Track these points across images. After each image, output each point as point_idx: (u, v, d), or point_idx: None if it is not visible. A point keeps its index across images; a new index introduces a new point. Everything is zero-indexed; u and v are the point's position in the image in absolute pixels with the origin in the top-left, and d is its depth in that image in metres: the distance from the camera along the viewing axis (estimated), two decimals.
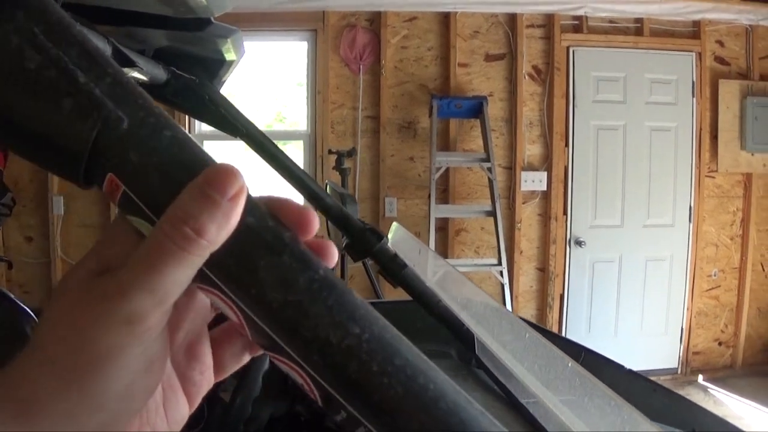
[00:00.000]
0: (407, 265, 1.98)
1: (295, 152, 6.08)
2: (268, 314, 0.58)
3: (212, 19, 1.84)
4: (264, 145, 2.26)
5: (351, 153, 5.53)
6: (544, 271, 6.12)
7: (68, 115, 0.58)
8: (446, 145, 5.98)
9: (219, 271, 0.55)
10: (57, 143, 0.61)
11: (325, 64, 6.00)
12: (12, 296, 2.67)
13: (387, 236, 2.05)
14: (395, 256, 2.02)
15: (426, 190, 5.87)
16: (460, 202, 6.02)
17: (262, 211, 0.55)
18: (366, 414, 0.61)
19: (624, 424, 1.04)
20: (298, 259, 0.57)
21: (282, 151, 2.13)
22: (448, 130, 5.99)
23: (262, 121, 6.40)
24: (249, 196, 0.54)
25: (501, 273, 5.52)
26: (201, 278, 0.54)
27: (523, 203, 6.05)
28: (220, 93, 2.18)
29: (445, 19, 6.02)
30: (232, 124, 2.14)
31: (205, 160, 0.55)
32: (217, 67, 2.16)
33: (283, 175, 2.16)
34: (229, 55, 1.94)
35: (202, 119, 2.22)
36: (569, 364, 1.23)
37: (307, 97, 6.10)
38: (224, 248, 0.54)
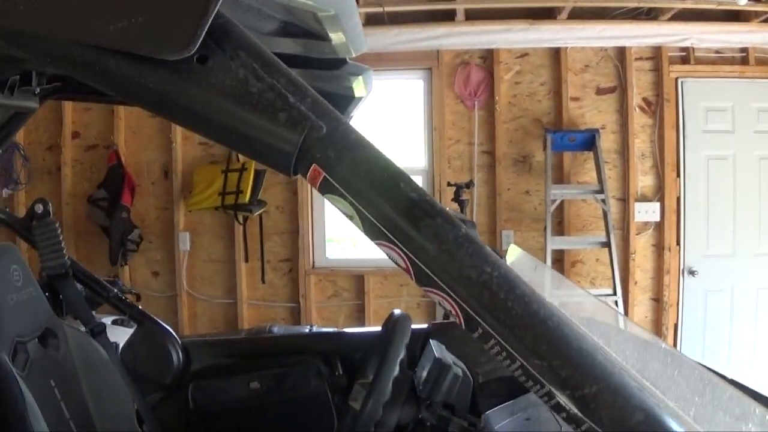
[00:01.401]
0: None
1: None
2: (427, 259, 0.88)
3: (347, 58, 1.99)
4: None
5: (469, 185, 5.70)
6: (658, 301, 6.22)
7: (283, 125, 0.88)
8: (561, 177, 6.11)
9: (396, 230, 0.88)
10: (275, 145, 0.93)
11: (440, 101, 6.17)
12: (155, 318, 2.84)
13: (505, 257, 2.18)
14: None
15: (541, 223, 6.01)
16: (575, 234, 6.15)
17: (420, 188, 0.91)
18: (496, 329, 0.89)
19: None
20: (447, 221, 0.91)
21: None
22: (562, 163, 6.12)
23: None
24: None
25: (616, 303, 5.65)
26: (382, 237, 0.89)
27: (637, 234, 6.16)
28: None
29: (556, 55, 6.15)
30: None
31: (381, 155, 0.94)
32: (347, 103, 2.31)
33: None
34: (359, 92, 2.09)
35: None
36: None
37: (424, 134, 6.26)
38: (398, 214, 0.87)
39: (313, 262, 6.30)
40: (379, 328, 2.44)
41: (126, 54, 0.86)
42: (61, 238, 2.69)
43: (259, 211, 6.15)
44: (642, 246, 6.18)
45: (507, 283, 0.93)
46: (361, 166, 0.96)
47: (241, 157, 6.18)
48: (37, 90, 2.25)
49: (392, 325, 2.22)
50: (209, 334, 5.97)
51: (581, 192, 6.00)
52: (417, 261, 0.92)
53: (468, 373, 2.19)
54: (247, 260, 6.29)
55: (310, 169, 0.92)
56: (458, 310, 0.91)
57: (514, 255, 2.95)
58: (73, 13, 0.84)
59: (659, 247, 6.18)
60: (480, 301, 0.92)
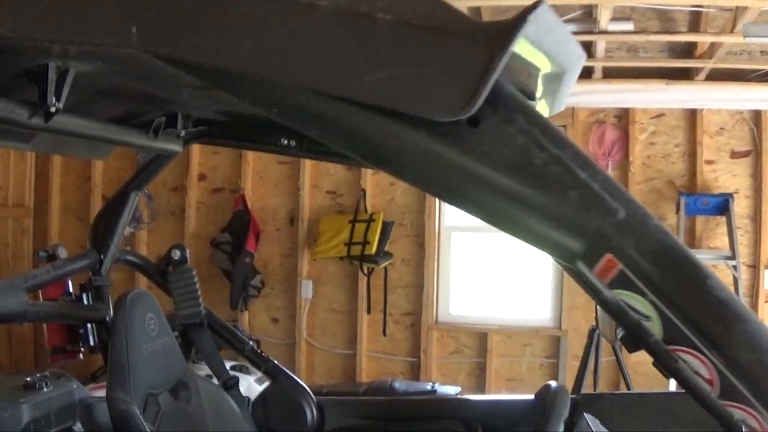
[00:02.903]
0: (680, 360, 2.00)
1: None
2: (739, 370, 0.76)
3: None
4: None
5: None
6: None
7: (574, 205, 0.70)
8: (692, 242, 5.99)
9: (703, 336, 0.74)
10: (561, 228, 0.79)
11: None
12: (290, 373, 2.74)
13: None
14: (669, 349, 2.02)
15: None
16: None
17: (725, 285, 0.73)
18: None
19: None
20: (758, 326, 0.77)
21: None
22: (694, 226, 6.00)
23: None
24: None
25: None
26: (686, 342, 0.69)
27: (766, 302, 6.01)
28: None
29: (692, 116, 6.05)
30: None
31: (680, 246, 0.78)
32: None
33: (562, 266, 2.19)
34: None
35: None
36: None
37: None
38: (707, 317, 0.68)
39: (437, 317, 6.20)
40: (524, 396, 2.33)
41: (380, 110, 0.70)
42: (197, 286, 2.63)
43: (386, 263, 6.06)
44: None
45: None
46: (663, 258, 0.82)
47: (369, 207, 6.11)
48: (182, 133, 2.22)
49: (551, 399, 2.11)
50: (327, 385, 5.87)
51: (713, 258, 5.86)
52: (726, 372, 0.79)
53: None
54: (369, 312, 6.20)
55: (602, 260, 0.80)
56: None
57: None
58: (316, 57, 0.67)
59: None
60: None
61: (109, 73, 1.68)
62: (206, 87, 1.88)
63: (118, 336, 1.95)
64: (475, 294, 6.27)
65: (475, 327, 6.16)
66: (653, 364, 2.29)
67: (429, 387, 5.35)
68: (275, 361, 2.74)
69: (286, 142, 2.31)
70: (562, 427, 1.98)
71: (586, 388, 4.74)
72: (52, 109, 1.52)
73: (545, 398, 2.15)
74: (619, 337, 2.44)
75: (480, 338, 6.15)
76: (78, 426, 1.64)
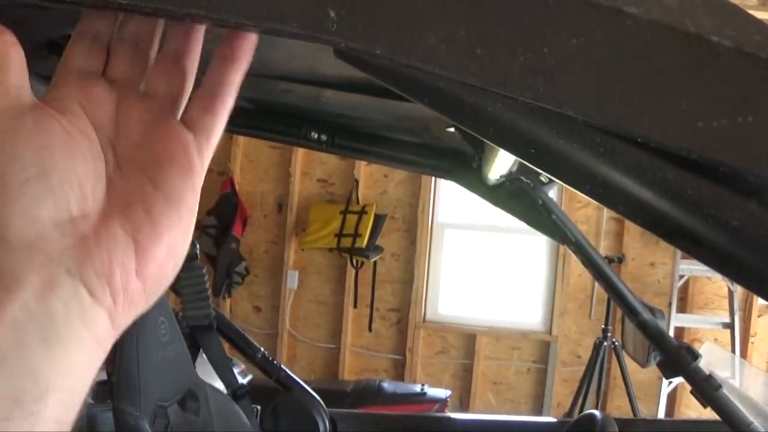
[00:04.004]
0: (720, 387, 1.85)
1: (537, 249, 6.00)
2: None
3: None
4: (591, 256, 2.15)
5: (621, 259, 5.48)
6: None
7: None
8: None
9: None
10: None
11: None
12: (303, 384, 2.60)
13: (700, 355, 1.92)
14: (709, 377, 1.88)
15: (663, 297, 5.77)
16: (697, 311, 5.92)
17: None
18: None
19: None
20: None
21: (607, 264, 2.02)
22: None
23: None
24: None
25: None
26: None
27: (759, 316, 5.94)
28: (551, 199, 2.11)
29: None
30: (562, 231, 2.07)
31: None
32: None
33: (603, 286, 2.04)
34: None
35: (530, 223, 2.15)
36: None
37: (554, 195, 6.03)
38: None
39: (425, 315, 6.05)
40: (545, 419, 2.19)
41: (702, 169, 0.50)
42: (207, 285, 2.46)
43: (376, 257, 5.90)
44: (762, 329, 5.96)
45: None
46: None
47: (361, 198, 5.94)
48: None
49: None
50: (312, 381, 5.71)
51: (707, 270, 5.77)
52: None
53: None
54: (355, 306, 6.04)
55: None
56: None
57: (709, 353, 2.75)
58: (631, 96, 0.48)
59: None
60: None
61: None
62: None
63: (128, 342, 1.76)
64: (465, 294, 6.12)
65: (463, 327, 6.02)
66: (691, 392, 2.16)
67: (418, 389, 5.18)
68: (288, 371, 2.57)
69: (316, 136, 2.13)
70: None
71: (589, 406, 4.62)
72: None
73: (588, 428, 2.00)
74: (655, 361, 2.31)
75: (468, 339, 6.01)
76: None
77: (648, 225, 0.53)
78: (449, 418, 2.93)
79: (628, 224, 5.87)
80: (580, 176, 0.51)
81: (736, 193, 0.48)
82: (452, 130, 1.36)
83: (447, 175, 2.20)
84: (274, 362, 2.55)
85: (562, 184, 0.55)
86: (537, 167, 0.55)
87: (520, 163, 1.56)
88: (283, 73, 1.55)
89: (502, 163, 1.39)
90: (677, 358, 2.10)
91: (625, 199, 0.51)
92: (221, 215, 5.98)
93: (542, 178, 1.64)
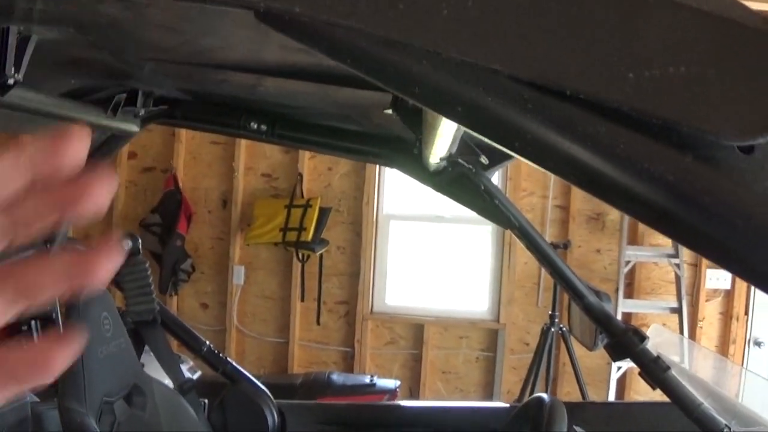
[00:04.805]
0: (669, 368, 1.93)
1: (483, 238, 6.03)
2: None
3: None
4: (535, 240, 2.21)
5: (566, 245, 5.53)
6: None
7: None
8: (635, 238, 5.97)
9: None
10: None
11: None
12: (250, 376, 2.62)
13: (648, 337, 2.00)
14: (657, 358, 1.97)
15: (610, 284, 5.84)
16: (644, 297, 6.01)
17: None
18: None
19: None
20: None
21: (551, 248, 2.08)
22: (636, 223, 5.97)
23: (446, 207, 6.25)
24: None
25: None
26: None
27: (706, 301, 6.04)
28: (494, 184, 2.16)
29: None
30: (505, 216, 2.12)
31: None
32: (500, 157, 2.14)
33: (548, 270, 2.11)
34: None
35: (474, 209, 2.19)
36: None
37: (498, 183, 6.07)
38: None
39: (372, 306, 6.05)
40: (496, 404, 2.20)
41: (634, 123, 0.49)
42: (150, 279, 2.44)
43: (322, 250, 5.89)
44: (710, 313, 6.07)
45: None
46: None
47: (305, 192, 5.92)
48: (141, 112, 2.05)
49: (549, 413, 1.99)
50: (261, 375, 5.67)
51: (656, 255, 5.87)
52: None
53: None
54: (303, 299, 6.02)
55: None
56: None
57: (656, 335, 2.80)
58: (559, 47, 0.48)
59: (727, 316, 6.07)
60: None
61: (73, 41, 1.47)
62: (171, 61, 1.68)
63: None
64: (412, 284, 6.14)
65: (411, 318, 6.03)
66: (639, 374, 2.18)
67: (368, 380, 5.19)
68: (234, 363, 2.55)
69: (255, 126, 2.12)
70: None
71: (538, 392, 4.65)
72: (10, 81, 1.29)
73: (536, 412, 2.01)
74: (602, 344, 2.33)
75: (416, 329, 6.03)
76: None
77: (581, 182, 0.53)
78: (398, 406, 2.94)
79: (574, 212, 5.94)
80: (509, 134, 0.50)
81: (671, 147, 0.47)
82: (389, 112, 1.36)
83: (389, 162, 2.20)
84: (220, 355, 2.53)
85: (492, 142, 0.54)
86: (466, 126, 0.54)
87: (460, 145, 1.56)
88: (218, 61, 1.53)
89: (441, 145, 1.39)
90: (624, 340, 2.12)
91: (555, 155, 0.50)
92: (165, 213, 5.91)
93: (482, 160, 1.64)
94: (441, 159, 1.68)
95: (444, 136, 1.27)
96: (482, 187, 1.99)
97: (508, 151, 0.52)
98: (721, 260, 0.52)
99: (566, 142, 0.48)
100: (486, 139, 0.54)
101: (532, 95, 0.47)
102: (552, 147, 0.49)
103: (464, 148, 1.64)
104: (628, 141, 0.47)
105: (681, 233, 0.51)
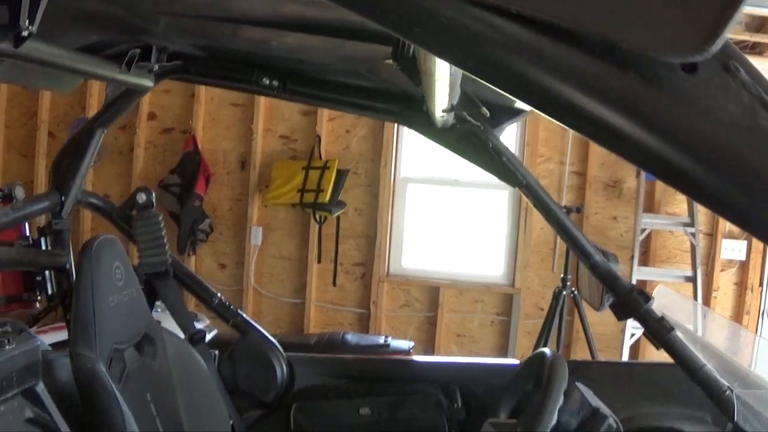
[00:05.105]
0: (673, 329, 1.94)
1: (500, 203, 6.04)
2: None
3: None
4: (542, 199, 2.22)
5: (579, 209, 5.53)
6: None
7: None
8: (651, 206, 5.96)
9: None
10: None
11: (535, 115, 5.97)
12: (261, 329, 2.66)
13: (653, 298, 2.00)
14: (662, 319, 1.98)
15: (626, 251, 5.84)
16: (659, 265, 6.01)
17: None
18: None
19: None
20: None
21: (559, 206, 2.09)
22: (653, 191, 5.96)
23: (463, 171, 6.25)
24: None
25: None
26: None
27: (721, 271, 6.04)
28: (502, 142, 2.17)
29: None
30: (513, 174, 2.13)
31: None
32: (507, 115, 2.14)
33: (556, 229, 2.13)
34: (522, 104, 1.93)
35: (482, 166, 2.21)
36: None
37: (515, 148, 6.06)
38: None
39: (388, 269, 6.09)
40: (503, 360, 2.21)
41: (572, 40, 0.50)
42: (164, 232, 2.49)
43: (339, 212, 5.92)
44: (724, 284, 6.06)
45: None
46: None
47: (323, 154, 5.95)
48: (156, 67, 2.09)
49: (551, 368, 2.01)
50: (276, 335, 5.74)
51: (671, 223, 5.86)
52: None
53: (619, 423, 1.97)
54: (319, 261, 6.07)
55: None
56: None
57: (661, 297, 2.81)
58: None
59: (741, 287, 6.06)
60: None
61: None
62: (184, 15, 1.70)
63: (83, 287, 1.78)
64: (429, 247, 6.17)
65: (427, 281, 6.07)
66: (644, 334, 2.20)
67: (382, 341, 5.23)
68: (245, 315, 2.60)
69: (267, 81, 2.15)
70: (562, 399, 1.86)
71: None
72: (24, 33, 1.32)
73: (539, 367, 2.04)
74: (608, 303, 2.36)
75: (431, 292, 6.07)
76: (41, 386, 1.48)
77: (535, 103, 0.55)
78: (406, 360, 2.98)
79: (591, 178, 5.93)
80: (462, 53, 0.53)
81: (614, 65, 0.49)
82: (390, 62, 1.38)
83: (400, 118, 2.22)
84: (231, 307, 2.57)
85: (449, 63, 0.57)
86: (421, 46, 0.57)
87: (462, 99, 1.58)
88: (230, 14, 1.56)
89: (440, 93, 1.41)
90: (629, 300, 2.15)
91: (508, 75, 0.52)
92: (184, 173, 5.96)
93: (483, 111, 1.66)
94: (445, 111, 1.70)
95: (441, 82, 1.29)
96: (490, 145, 2.01)
97: (465, 72, 0.55)
98: (671, 180, 0.55)
99: (519, 61, 0.50)
100: (446, 61, 0.57)
101: (482, 14, 0.49)
102: (504, 67, 0.51)
103: (465, 100, 1.66)
104: (571, 59, 0.49)
105: (630, 153, 0.53)
